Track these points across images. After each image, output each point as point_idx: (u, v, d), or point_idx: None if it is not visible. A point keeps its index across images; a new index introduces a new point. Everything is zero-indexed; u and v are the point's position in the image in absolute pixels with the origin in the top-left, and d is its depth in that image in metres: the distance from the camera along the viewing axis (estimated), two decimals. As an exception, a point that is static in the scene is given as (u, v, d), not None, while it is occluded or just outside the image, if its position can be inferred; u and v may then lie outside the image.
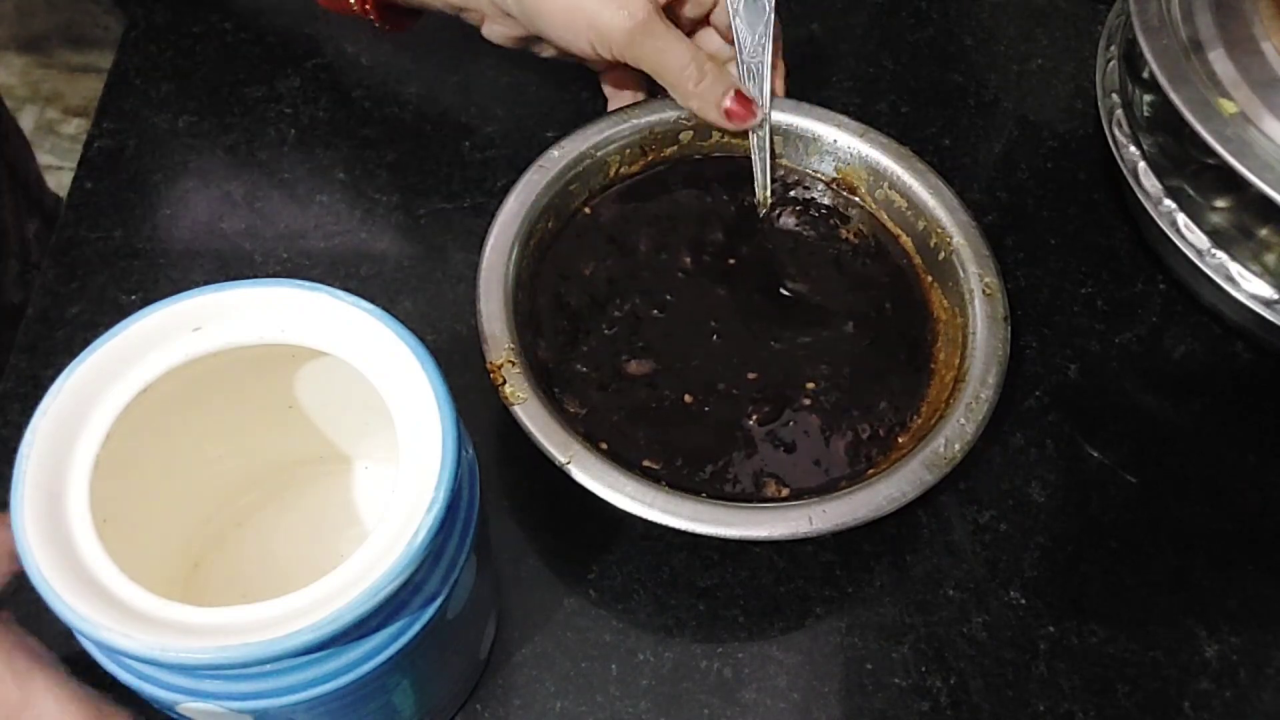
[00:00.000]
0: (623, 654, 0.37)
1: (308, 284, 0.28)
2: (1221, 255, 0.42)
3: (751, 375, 0.39)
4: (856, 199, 0.44)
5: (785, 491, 0.36)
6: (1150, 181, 0.43)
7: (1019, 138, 0.50)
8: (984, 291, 0.40)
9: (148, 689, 0.26)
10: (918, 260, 0.43)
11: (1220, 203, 0.42)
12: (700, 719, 0.36)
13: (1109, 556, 0.40)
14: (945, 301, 0.41)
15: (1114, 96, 0.45)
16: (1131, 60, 0.46)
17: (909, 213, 0.43)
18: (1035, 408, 0.43)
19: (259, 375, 0.30)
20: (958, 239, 0.41)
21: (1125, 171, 0.44)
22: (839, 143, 0.44)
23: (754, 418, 0.38)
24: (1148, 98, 0.45)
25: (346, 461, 0.36)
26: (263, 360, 0.29)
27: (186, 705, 0.26)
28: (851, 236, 0.43)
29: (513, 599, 0.38)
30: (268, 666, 0.25)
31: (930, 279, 0.42)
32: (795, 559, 0.39)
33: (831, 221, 0.44)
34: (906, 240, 0.43)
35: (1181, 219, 0.42)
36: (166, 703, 0.26)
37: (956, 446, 0.36)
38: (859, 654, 0.37)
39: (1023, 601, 0.38)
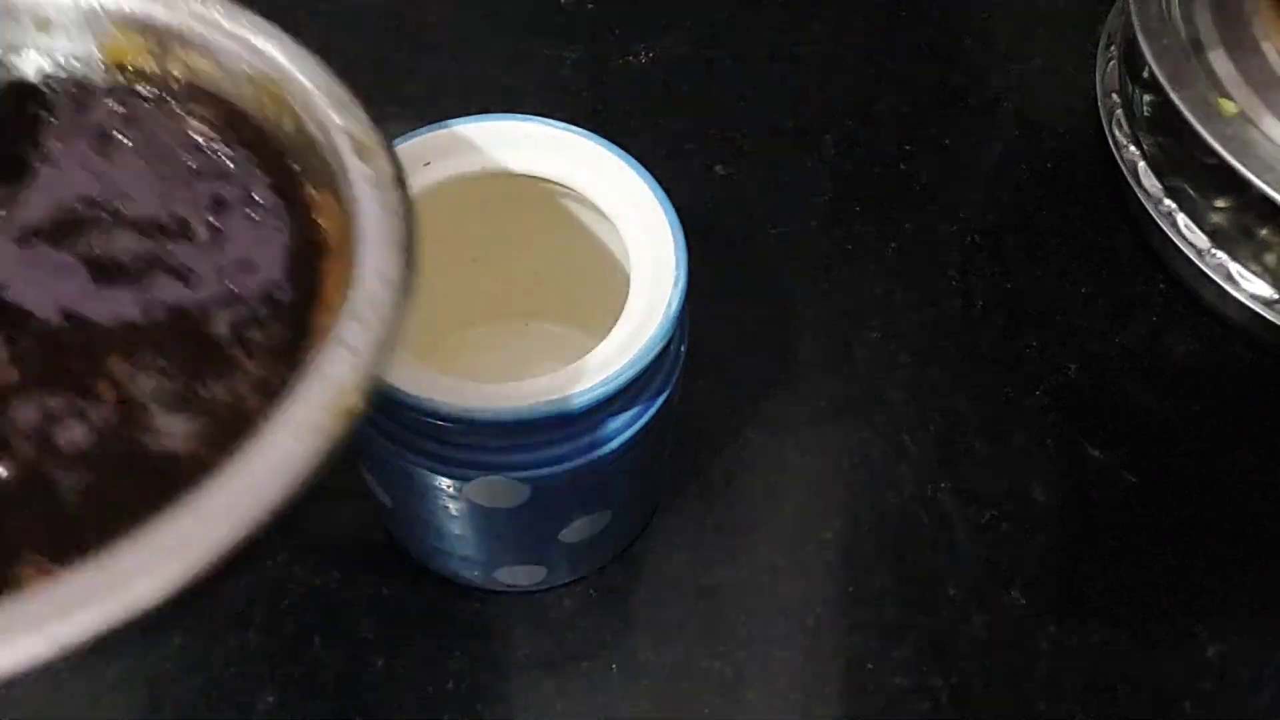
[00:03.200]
0: (623, 654, 0.37)
1: (523, 116, 0.32)
2: (1221, 255, 0.42)
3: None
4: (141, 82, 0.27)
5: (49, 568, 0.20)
6: (1150, 181, 0.43)
7: (1019, 138, 0.50)
8: (356, 150, 0.25)
9: (441, 469, 0.29)
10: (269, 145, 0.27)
11: (1220, 203, 0.42)
12: (701, 719, 0.36)
13: (1109, 556, 0.40)
14: (318, 195, 0.26)
15: (1114, 96, 0.46)
16: (1131, 60, 0.46)
17: (226, 81, 0.27)
18: (1035, 408, 0.43)
19: (465, 219, 0.34)
20: (303, 87, 0.26)
21: (1125, 171, 0.44)
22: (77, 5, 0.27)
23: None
24: (1148, 98, 0.45)
25: (520, 319, 0.40)
26: (478, 200, 0.33)
27: (476, 482, 0.30)
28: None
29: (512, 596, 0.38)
30: (562, 430, 0.29)
31: (297, 168, 0.26)
32: (795, 558, 0.39)
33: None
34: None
35: (1181, 219, 0.42)
36: (458, 480, 0.30)
37: (350, 386, 0.21)
38: (859, 653, 0.37)
39: (1023, 601, 0.38)
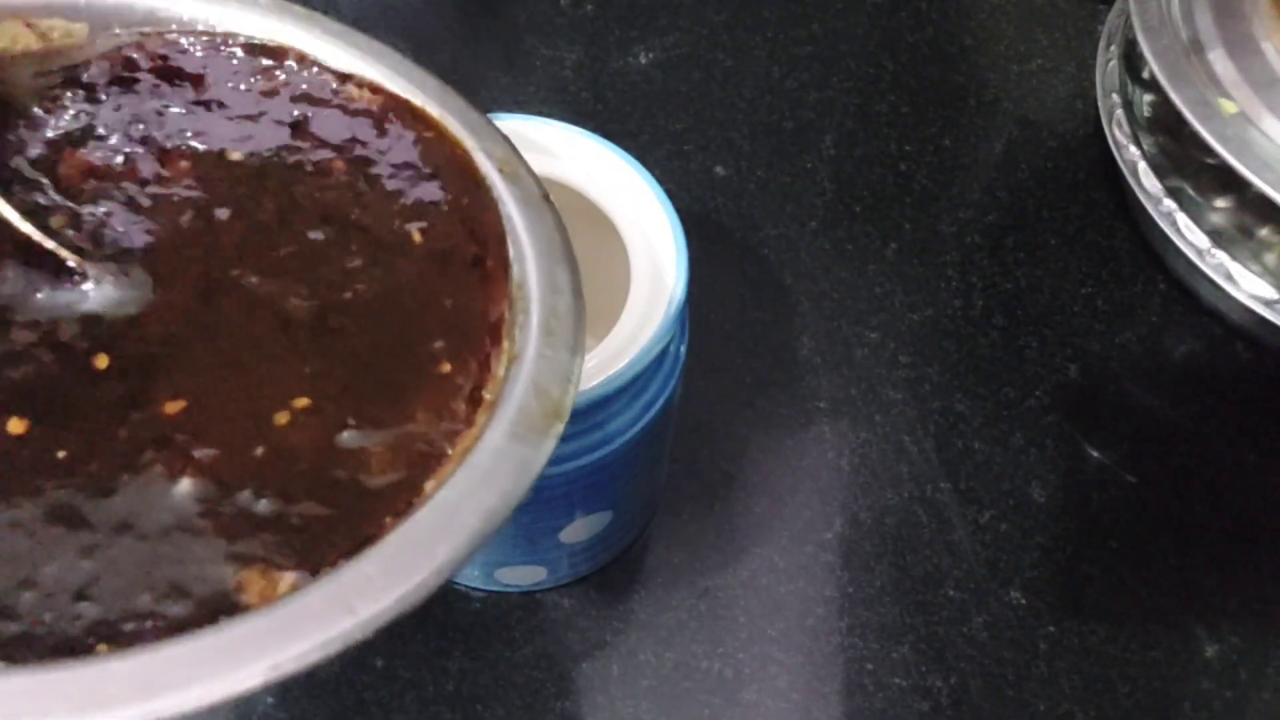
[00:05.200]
0: (623, 654, 0.37)
1: (523, 116, 0.32)
2: (1221, 255, 0.42)
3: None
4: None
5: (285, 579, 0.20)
6: (1150, 181, 0.43)
7: (1019, 138, 0.50)
8: (501, 171, 0.26)
9: None
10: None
11: (1220, 203, 0.42)
12: (701, 719, 0.36)
13: (1109, 556, 0.40)
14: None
15: (1114, 96, 0.46)
16: (1131, 60, 0.46)
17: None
18: (1035, 408, 0.43)
19: None
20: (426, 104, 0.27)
21: (1125, 171, 0.44)
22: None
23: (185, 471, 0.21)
24: (1148, 98, 0.45)
25: None
26: None
27: None
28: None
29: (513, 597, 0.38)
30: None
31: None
32: (795, 559, 0.39)
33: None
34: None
35: (1181, 219, 0.42)
36: None
37: (556, 392, 0.22)
38: (859, 654, 0.37)
39: (1023, 601, 0.38)
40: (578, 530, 0.34)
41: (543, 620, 0.37)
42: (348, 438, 0.22)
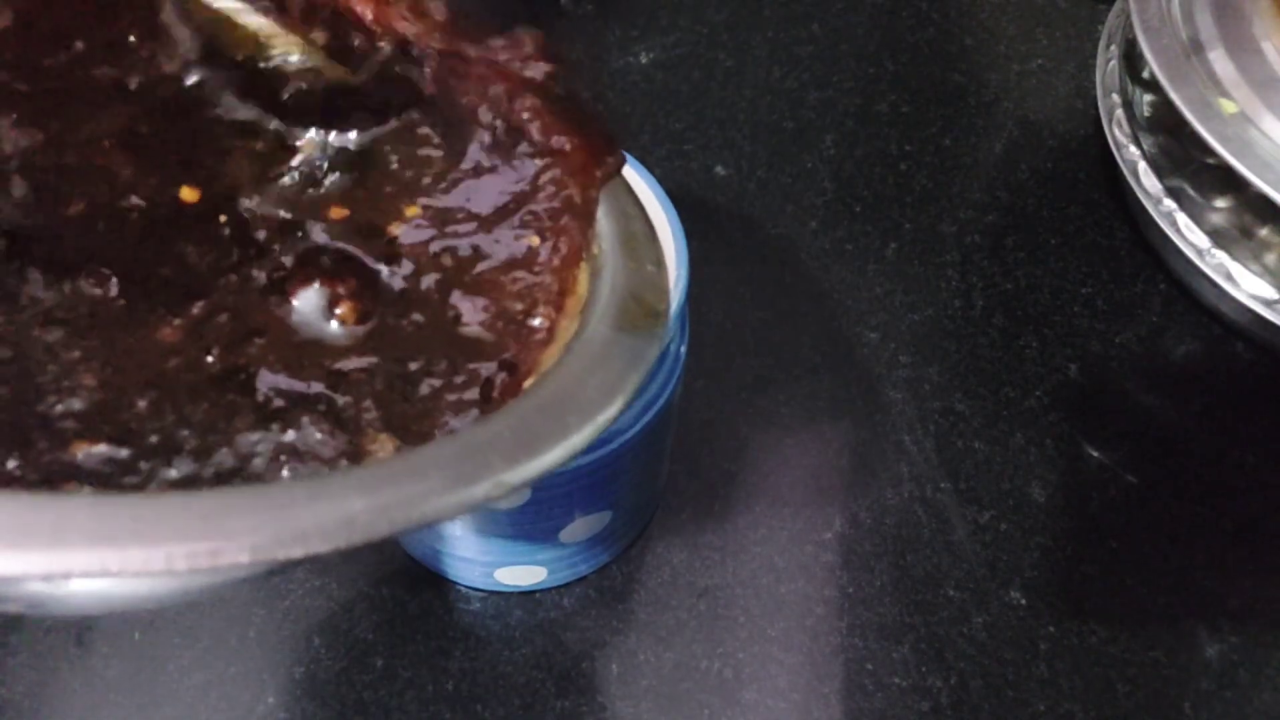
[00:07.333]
0: (623, 654, 0.37)
1: None
2: (1221, 255, 0.42)
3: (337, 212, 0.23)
4: None
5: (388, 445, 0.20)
6: (1150, 181, 0.43)
7: (1019, 138, 0.50)
8: None
9: None
10: None
11: (1220, 203, 0.42)
12: (701, 719, 0.36)
13: (1109, 556, 0.40)
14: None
15: (1114, 96, 0.46)
16: (1131, 60, 0.46)
17: None
18: (1035, 408, 0.43)
19: None
20: None
21: (1125, 171, 0.44)
22: None
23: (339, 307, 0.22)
24: (1148, 98, 0.45)
25: None
26: None
27: None
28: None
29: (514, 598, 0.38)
30: None
31: None
32: (795, 559, 0.39)
33: None
34: None
35: (1181, 219, 0.42)
36: None
37: (651, 298, 0.23)
38: (859, 654, 0.37)
39: (1023, 601, 0.38)
40: (577, 530, 0.34)
41: (542, 620, 0.37)
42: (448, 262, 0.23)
